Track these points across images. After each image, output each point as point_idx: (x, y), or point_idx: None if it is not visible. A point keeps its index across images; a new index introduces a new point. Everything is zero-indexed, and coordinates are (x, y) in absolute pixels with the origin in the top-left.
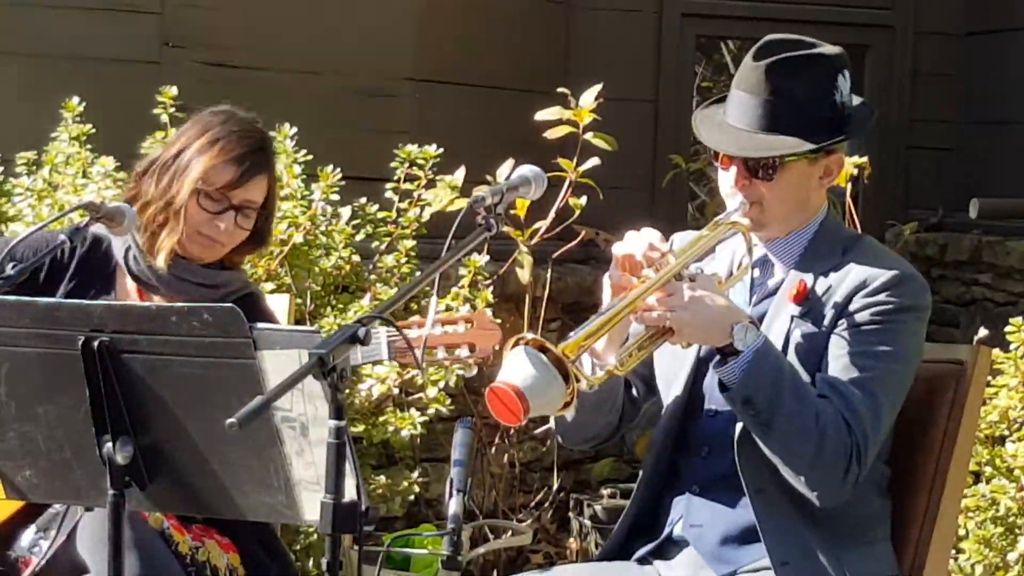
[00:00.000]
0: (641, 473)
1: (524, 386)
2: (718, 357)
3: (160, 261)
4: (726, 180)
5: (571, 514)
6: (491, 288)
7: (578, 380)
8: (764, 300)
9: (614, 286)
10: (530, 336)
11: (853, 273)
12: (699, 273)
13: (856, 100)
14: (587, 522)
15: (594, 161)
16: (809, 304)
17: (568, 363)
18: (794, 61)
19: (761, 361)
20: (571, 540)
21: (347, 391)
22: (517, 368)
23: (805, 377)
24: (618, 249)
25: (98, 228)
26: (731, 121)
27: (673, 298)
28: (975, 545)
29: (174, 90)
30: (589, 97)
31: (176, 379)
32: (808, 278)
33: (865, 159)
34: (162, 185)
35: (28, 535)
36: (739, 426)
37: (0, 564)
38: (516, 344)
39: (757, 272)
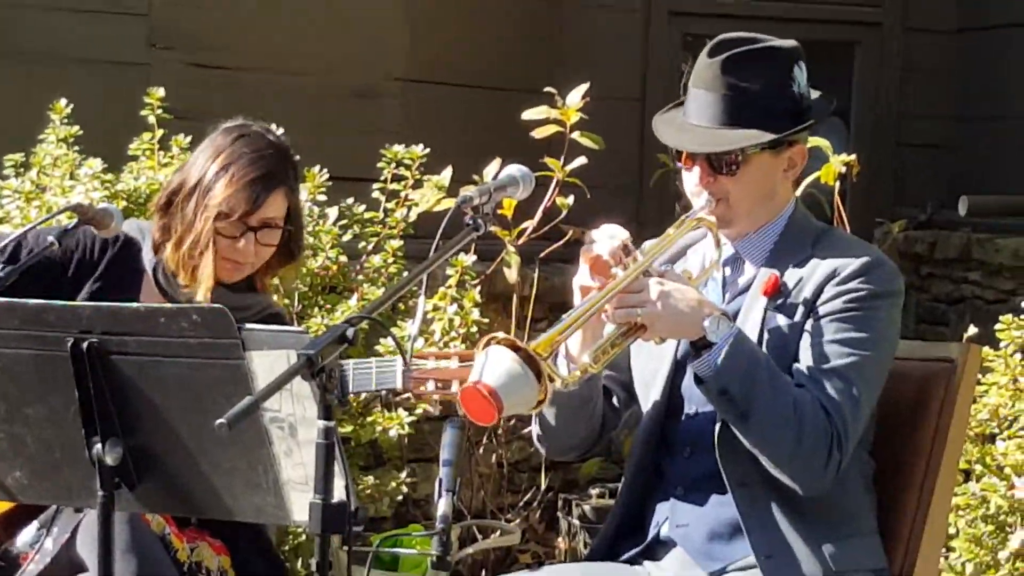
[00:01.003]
0: (624, 475)
1: (497, 385)
2: (692, 351)
3: (200, 295)
4: (690, 179)
5: (559, 514)
6: (478, 288)
7: (552, 379)
8: (737, 297)
9: (582, 288)
10: (501, 335)
11: (824, 263)
12: (668, 270)
13: (815, 93)
14: (575, 522)
15: (581, 160)
16: (781, 297)
17: (540, 361)
18: (748, 55)
19: (735, 351)
20: (559, 540)
21: (345, 406)
22: (489, 367)
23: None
24: (585, 251)
25: (131, 230)
26: (691, 120)
27: (642, 294)
28: (966, 543)
29: (161, 91)
30: (576, 96)
31: (165, 380)
32: (779, 271)
33: (853, 157)
34: (187, 220)
35: (29, 531)
36: (719, 423)
37: (1, 559)
38: (488, 344)
39: (728, 271)
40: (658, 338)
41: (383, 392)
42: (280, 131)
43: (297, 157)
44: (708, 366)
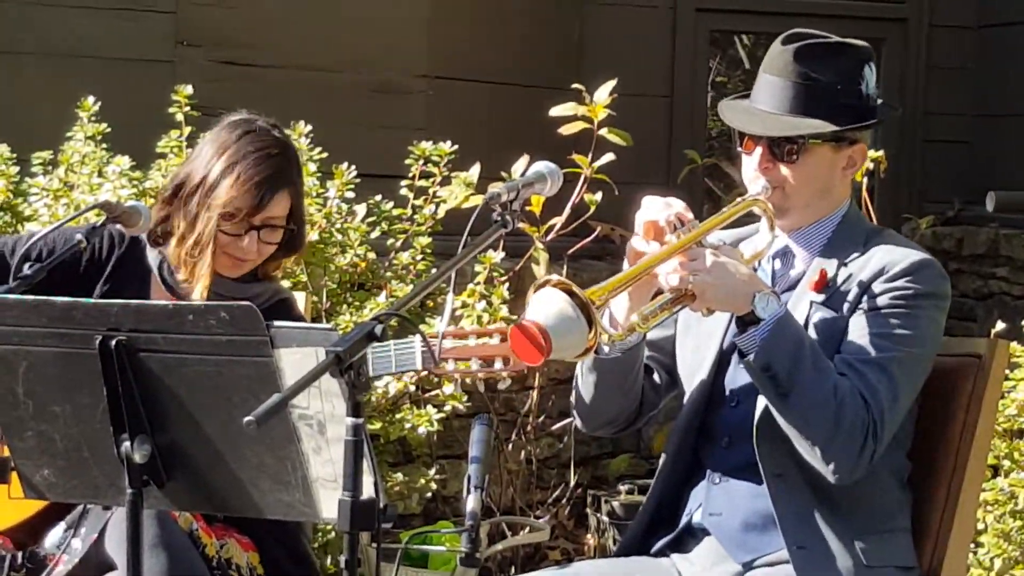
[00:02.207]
0: (660, 464)
1: (549, 325)
2: (737, 328)
3: (196, 294)
4: (750, 164)
5: (588, 510)
6: (507, 285)
7: (601, 332)
8: (786, 292)
9: (636, 251)
10: (555, 278)
11: (873, 260)
12: (722, 244)
13: (880, 100)
14: (605, 518)
15: (609, 157)
16: (829, 292)
17: (592, 308)
18: (822, 47)
19: (782, 330)
20: (588, 536)
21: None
22: (543, 308)
23: None
24: (641, 216)
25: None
26: (758, 105)
27: (696, 262)
28: (994, 539)
29: (189, 89)
30: (604, 93)
31: (193, 377)
32: (829, 267)
33: (881, 153)
34: (190, 217)
35: (56, 532)
36: (758, 413)
37: (29, 562)
38: (543, 285)
39: (779, 264)
40: (705, 309)
41: (410, 387)
42: (308, 128)
43: (325, 154)
44: (753, 341)
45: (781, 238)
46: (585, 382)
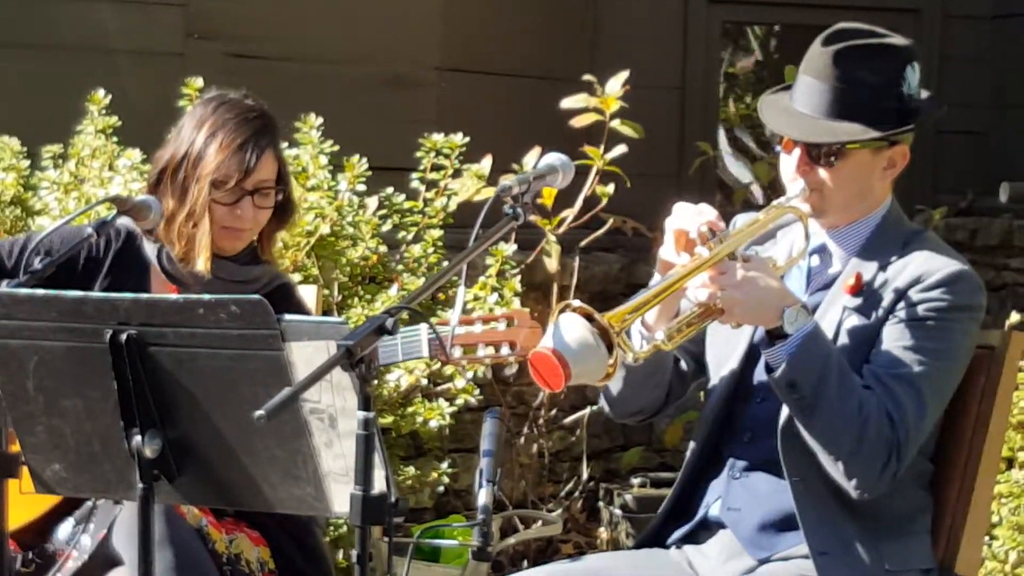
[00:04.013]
0: (687, 454)
1: (567, 353)
2: (767, 339)
3: (200, 266)
4: (788, 165)
5: (601, 503)
6: (518, 277)
7: (623, 352)
8: (820, 291)
9: (664, 262)
10: (577, 304)
11: (910, 268)
12: (753, 255)
13: (924, 93)
14: (617, 511)
15: (621, 149)
16: (864, 296)
17: (613, 333)
18: (864, 49)
19: (809, 346)
20: (601, 530)
21: (375, 382)
22: (561, 334)
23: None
24: (672, 224)
25: (129, 224)
26: (797, 106)
27: (725, 277)
28: (1008, 531)
29: (199, 81)
30: (615, 84)
31: (204, 371)
32: (866, 270)
33: None
34: (178, 194)
35: (66, 528)
36: (784, 413)
37: (37, 557)
38: (563, 311)
39: (816, 261)
40: (735, 322)
41: (422, 381)
42: (319, 121)
43: (336, 147)
44: (780, 357)
45: (818, 235)
46: (615, 377)
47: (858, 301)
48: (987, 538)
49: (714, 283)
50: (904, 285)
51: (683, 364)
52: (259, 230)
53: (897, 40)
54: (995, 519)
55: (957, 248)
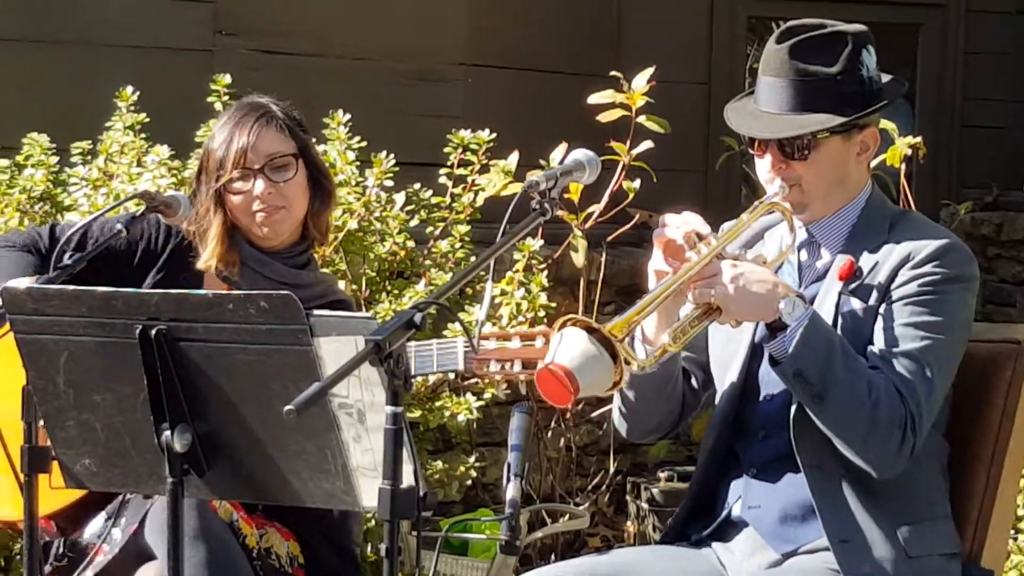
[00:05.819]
0: (699, 457)
1: (572, 366)
2: (767, 333)
3: (207, 255)
4: (763, 167)
5: (628, 497)
6: (545, 272)
7: (628, 362)
8: (814, 283)
9: (657, 272)
10: (576, 317)
11: (899, 247)
12: (741, 254)
13: (886, 77)
14: (644, 505)
15: (647, 144)
16: (857, 281)
17: (616, 343)
18: (815, 40)
19: (810, 334)
20: (628, 523)
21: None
22: (565, 349)
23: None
24: (658, 235)
25: None
26: (762, 107)
27: (716, 277)
28: None
29: (227, 78)
30: (642, 80)
31: (233, 366)
32: (856, 255)
33: (919, 139)
34: (200, 196)
35: (97, 522)
36: (794, 405)
37: (70, 550)
38: (564, 325)
39: (805, 255)
40: (734, 320)
41: (449, 375)
42: (346, 117)
43: (363, 143)
44: (783, 348)
45: (803, 230)
46: (625, 397)
47: (853, 287)
48: (1013, 531)
49: (706, 283)
50: (896, 264)
51: (693, 380)
52: (295, 210)
53: (848, 27)
54: (1021, 512)
55: (983, 242)
